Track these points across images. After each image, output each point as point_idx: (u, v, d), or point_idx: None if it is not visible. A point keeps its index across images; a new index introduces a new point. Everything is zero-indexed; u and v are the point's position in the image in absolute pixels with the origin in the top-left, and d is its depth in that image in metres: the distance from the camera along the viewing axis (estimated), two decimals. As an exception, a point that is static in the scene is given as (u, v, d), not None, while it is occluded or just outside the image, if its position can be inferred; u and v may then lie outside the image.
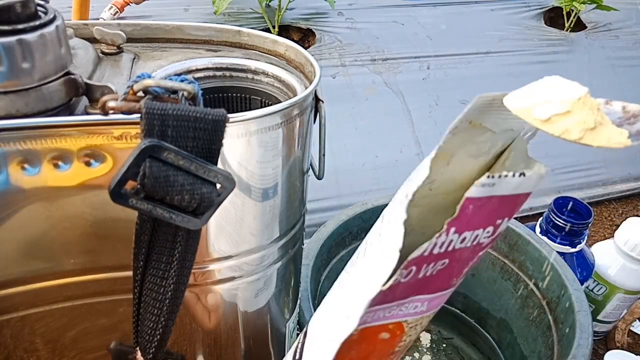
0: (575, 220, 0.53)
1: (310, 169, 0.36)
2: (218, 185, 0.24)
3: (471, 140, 0.26)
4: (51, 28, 0.24)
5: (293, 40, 0.67)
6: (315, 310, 0.32)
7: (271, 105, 0.29)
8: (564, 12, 1.04)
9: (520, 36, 0.99)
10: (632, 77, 1.00)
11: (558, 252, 0.50)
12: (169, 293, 0.26)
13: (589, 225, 0.53)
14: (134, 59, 0.34)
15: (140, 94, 0.23)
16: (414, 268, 0.26)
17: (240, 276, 0.33)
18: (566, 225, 0.53)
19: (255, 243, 0.32)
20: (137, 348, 0.28)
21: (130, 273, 0.26)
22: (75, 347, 0.32)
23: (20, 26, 0.23)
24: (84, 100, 0.28)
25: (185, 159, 0.23)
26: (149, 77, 0.23)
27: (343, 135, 0.80)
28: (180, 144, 0.23)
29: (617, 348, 0.60)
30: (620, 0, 1.07)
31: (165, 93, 0.23)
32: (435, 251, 0.25)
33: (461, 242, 0.26)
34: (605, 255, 0.59)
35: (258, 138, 0.28)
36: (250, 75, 0.35)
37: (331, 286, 0.30)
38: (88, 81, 0.27)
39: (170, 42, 0.37)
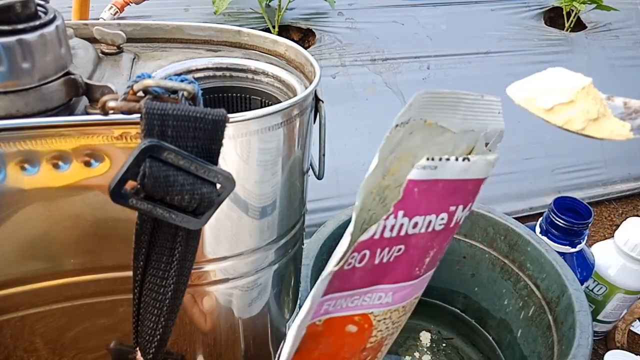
0: (575, 220, 0.53)
1: (310, 169, 0.36)
2: (218, 185, 0.24)
3: (432, 141, 0.26)
4: (51, 28, 0.24)
5: (293, 40, 0.67)
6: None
7: (271, 105, 0.29)
8: (564, 12, 1.04)
9: (520, 36, 0.99)
10: (632, 77, 1.00)
11: (558, 252, 0.50)
12: (169, 293, 0.26)
13: (589, 225, 0.53)
14: (134, 59, 0.34)
15: (140, 94, 0.23)
16: (367, 252, 0.26)
17: (240, 276, 0.33)
18: (566, 225, 0.53)
19: (254, 244, 0.32)
20: (137, 348, 0.28)
21: (130, 273, 0.26)
22: (75, 347, 0.32)
23: (20, 26, 0.23)
24: (84, 100, 0.28)
25: (185, 159, 0.23)
26: (149, 77, 0.23)
27: (343, 135, 0.80)
28: (180, 144, 0.23)
29: (617, 348, 0.60)
30: (620, 0, 1.07)
31: (165, 93, 0.23)
32: (387, 235, 0.25)
33: (413, 227, 0.26)
34: (605, 255, 0.59)
35: (258, 138, 0.28)
36: (250, 75, 0.35)
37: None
38: (88, 81, 0.27)
39: (170, 42, 0.37)
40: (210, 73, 0.35)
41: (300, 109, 0.30)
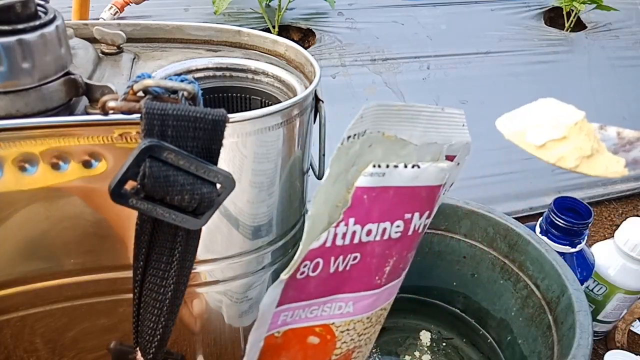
0: (575, 220, 0.53)
1: (310, 169, 0.36)
2: (218, 185, 0.24)
3: (395, 153, 0.26)
4: (51, 28, 0.24)
5: (293, 40, 0.67)
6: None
7: (271, 105, 0.29)
8: (564, 12, 1.04)
9: (520, 36, 0.99)
10: (632, 77, 1.00)
11: (558, 252, 0.50)
12: (169, 293, 0.26)
13: (589, 225, 0.53)
14: (134, 59, 0.34)
15: (140, 94, 0.23)
16: (320, 260, 0.26)
17: (240, 276, 0.33)
18: (566, 225, 0.53)
19: (254, 244, 0.32)
20: (137, 348, 0.28)
21: (130, 273, 0.26)
22: (75, 347, 0.32)
23: (20, 26, 0.23)
24: (84, 100, 0.28)
25: (185, 159, 0.23)
26: (149, 77, 0.23)
27: (343, 135, 0.80)
28: (180, 144, 0.23)
29: (617, 348, 0.60)
30: (620, 0, 1.07)
31: (165, 93, 0.23)
32: (339, 242, 0.25)
33: (367, 234, 0.26)
34: (605, 255, 0.59)
35: (258, 138, 0.28)
36: (250, 75, 0.35)
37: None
38: (88, 81, 0.27)
39: (170, 42, 0.37)
40: (210, 73, 0.35)
41: (300, 109, 0.30)
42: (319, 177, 0.36)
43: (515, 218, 0.53)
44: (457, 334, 0.58)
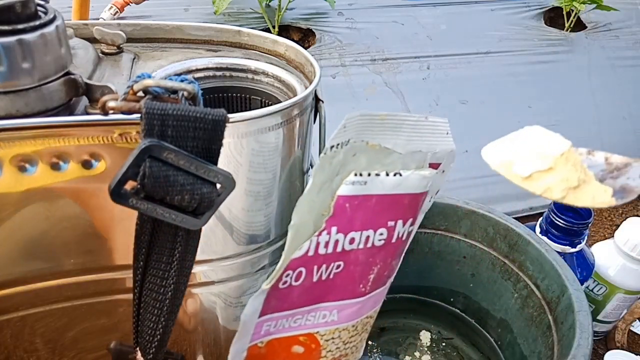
0: (575, 220, 0.53)
1: (310, 169, 0.36)
2: (218, 185, 0.24)
3: (379, 162, 0.26)
4: (51, 28, 0.24)
5: (293, 40, 0.67)
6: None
7: (271, 105, 0.29)
8: (564, 12, 1.04)
9: (520, 36, 0.99)
10: (632, 77, 1.00)
11: (558, 252, 0.50)
12: (169, 293, 0.26)
13: (589, 225, 0.53)
14: (134, 59, 0.34)
15: (140, 94, 0.23)
16: (302, 270, 0.25)
17: (240, 276, 0.33)
18: (566, 225, 0.53)
19: (254, 244, 0.32)
20: (137, 348, 0.28)
21: (130, 273, 0.26)
22: (75, 347, 0.32)
23: (20, 26, 0.23)
24: (84, 100, 0.28)
25: (185, 159, 0.23)
26: (149, 77, 0.23)
27: (343, 135, 0.80)
28: (180, 144, 0.23)
29: (617, 348, 0.60)
30: (620, 0, 1.07)
31: (165, 93, 0.23)
32: (322, 251, 0.25)
33: (350, 242, 0.25)
34: (605, 255, 0.59)
35: (258, 138, 0.28)
36: (250, 75, 0.35)
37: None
38: (88, 81, 0.27)
39: (170, 42, 0.37)
40: (210, 73, 0.35)
41: (300, 109, 0.30)
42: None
43: (515, 218, 0.53)
44: (457, 334, 0.58)
